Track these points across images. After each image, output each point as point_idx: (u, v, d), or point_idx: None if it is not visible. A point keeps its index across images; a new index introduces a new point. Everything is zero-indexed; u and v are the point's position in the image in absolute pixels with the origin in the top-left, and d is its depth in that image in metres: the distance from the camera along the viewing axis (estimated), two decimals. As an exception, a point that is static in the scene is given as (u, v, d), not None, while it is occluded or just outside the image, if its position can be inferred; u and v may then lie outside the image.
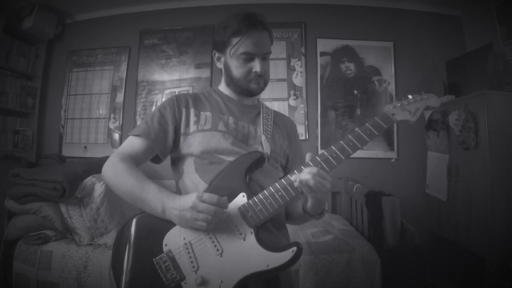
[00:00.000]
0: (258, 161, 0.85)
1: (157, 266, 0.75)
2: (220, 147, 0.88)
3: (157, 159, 0.93)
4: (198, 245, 0.76)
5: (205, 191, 0.81)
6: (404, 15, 2.67)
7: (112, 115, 2.78)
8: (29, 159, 2.62)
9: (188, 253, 0.76)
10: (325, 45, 2.69)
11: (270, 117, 1.00)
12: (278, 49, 2.68)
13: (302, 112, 2.63)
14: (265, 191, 0.78)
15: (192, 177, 0.88)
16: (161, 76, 2.78)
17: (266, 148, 0.90)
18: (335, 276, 1.58)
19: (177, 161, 0.94)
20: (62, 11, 2.78)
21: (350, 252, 1.63)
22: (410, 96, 0.83)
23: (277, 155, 0.94)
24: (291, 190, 0.77)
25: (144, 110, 2.76)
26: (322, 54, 2.68)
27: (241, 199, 0.79)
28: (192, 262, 0.75)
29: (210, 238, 0.76)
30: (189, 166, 0.89)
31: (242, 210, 0.77)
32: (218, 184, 0.82)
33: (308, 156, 0.79)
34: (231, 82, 0.94)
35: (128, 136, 0.92)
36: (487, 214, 1.74)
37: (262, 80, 0.92)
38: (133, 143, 0.89)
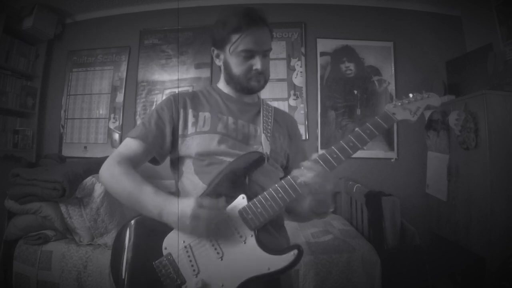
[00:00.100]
0: (258, 161, 0.83)
1: (157, 270, 0.74)
2: (219, 149, 0.86)
3: (155, 161, 0.91)
4: (198, 248, 0.75)
5: (204, 193, 0.80)
6: (404, 15, 2.67)
7: (112, 115, 2.78)
8: (29, 159, 2.62)
9: (188, 256, 0.75)
10: (325, 45, 2.69)
11: (270, 114, 0.98)
12: (278, 49, 2.68)
13: (302, 112, 2.63)
14: (265, 192, 0.77)
15: (191, 178, 0.86)
16: (161, 76, 2.78)
17: (265, 148, 0.88)
18: (335, 276, 1.58)
19: (176, 162, 0.92)
20: (62, 11, 2.78)
21: (350, 252, 1.63)
22: (410, 95, 0.82)
23: (277, 154, 0.93)
24: (291, 192, 0.76)
25: (144, 110, 2.76)
26: (322, 54, 2.68)
27: (241, 201, 0.77)
28: (192, 265, 0.74)
29: (210, 241, 0.75)
30: (188, 167, 0.88)
31: (242, 212, 0.76)
32: (217, 186, 0.81)
33: (313, 157, 0.77)
34: (231, 80, 0.92)
35: (126, 137, 0.90)
36: (487, 214, 1.74)
37: (263, 77, 0.90)
38: (130, 145, 0.87)
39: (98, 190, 1.80)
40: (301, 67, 2.67)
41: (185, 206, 0.72)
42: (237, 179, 0.81)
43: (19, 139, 2.57)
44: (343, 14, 2.70)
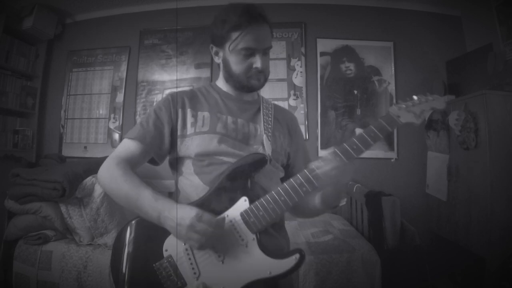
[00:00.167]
0: (260, 163, 0.82)
1: (157, 272, 0.74)
2: (219, 150, 0.85)
3: (154, 162, 0.90)
4: (199, 251, 0.74)
5: (206, 194, 0.80)
6: (404, 15, 2.67)
7: (112, 115, 2.78)
8: (29, 159, 2.62)
9: (189, 259, 0.74)
10: (325, 45, 2.69)
11: (270, 112, 0.96)
12: (278, 49, 2.68)
13: (302, 112, 2.63)
14: (267, 195, 0.76)
15: (192, 179, 0.86)
16: (161, 76, 2.78)
17: (267, 148, 0.87)
18: (335, 276, 1.58)
19: (175, 162, 0.91)
20: (62, 11, 2.78)
21: (350, 252, 1.63)
22: (415, 97, 0.79)
23: (278, 154, 0.92)
24: (294, 195, 0.75)
25: (144, 110, 2.75)
26: (322, 54, 2.68)
27: (242, 203, 0.77)
28: (193, 268, 0.74)
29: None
30: (188, 168, 0.87)
31: (244, 215, 0.75)
32: (219, 188, 0.80)
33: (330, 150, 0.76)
34: (230, 78, 0.90)
35: (124, 138, 0.88)
36: (487, 214, 1.74)
37: (263, 76, 0.88)
38: (128, 146, 0.86)
39: (98, 190, 1.80)
40: (301, 67, 2.67)
41: (185, 215, 0.71)
42: (239, 181, 0.80)
43: (19, 139, 2.57)
44: (343, 14, 2.70)
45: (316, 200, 0.86)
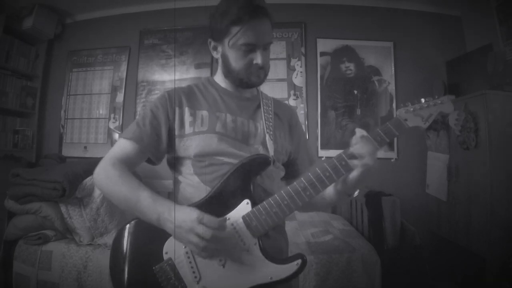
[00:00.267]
0: (264, 165, 0.80)
1: (157, 276, 0.73)
2: (219, 150, 0.82)
3: (152, 161, 0.87)
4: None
5: (207, 196, 0.78)
6: (404, 15, 2.67)
7: (112, 115, 2.78)
8: (29, 159, 2.62)
9: (190, 262, 0.73)
10: (325, 45, 2.69)
11: (270, 108, 0.93)
12: (278, 49, 2.68)
13: (302, 112, 2.63)
14: (270, 199, 0.74)
15: (191, 179, 0.84)
16: (161, 76, 2.78)
17: (270, 149, 0.85)
18: (335, 276, 1.58)
19: (174, 162, 0.88)
20: (62, 11, 2.78)
21: (350, 252, 1.63)
22: (422, 100, 0.77)
23: (279, 154, 0.89)
24: (297, 200, 0.73)
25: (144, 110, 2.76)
26: (322, 54, 2.68)
27: (244, 206, 0.75)
28: (194, 272, 0.73)
29: None
30: (187, 168, 0.85)
31: (246, 219, 0.74)
32: (221, 190, 0.78)
33: (358, 132, 0.75)
34: (229, 73, 0.86)
35: (119, 138, 0.85)
36: (487, 214, 1.74)
37: (263, 72, 0.85)
38: (124, 146, 0.83)
39: (98, 190, 1.80)
40: (301, 67, 2.67)
41: (186, 217, 0.69)
42: (241, 183, 0.77)
43: (19, 139, 2.57)
44: (343, 14, 2.70)
45: (329, 190, 0.81)
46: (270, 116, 0.91)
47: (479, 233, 1.80)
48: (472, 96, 1.91)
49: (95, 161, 0.82)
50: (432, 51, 2.61)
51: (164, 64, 2.79)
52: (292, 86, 2.67)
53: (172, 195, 0.88)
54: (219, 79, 0.93)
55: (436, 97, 0.78)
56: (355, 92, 2.63)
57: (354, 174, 0.73)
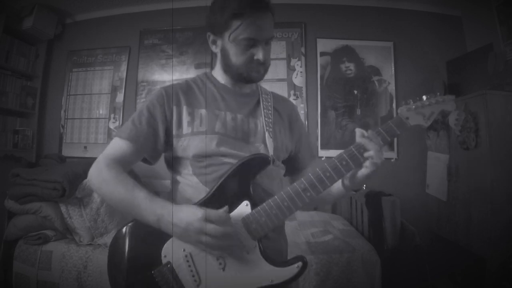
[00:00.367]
0: (263, 164, 0.78)
1: (156, 280, 0.71)
2: (219, 151, 0.80)
3: (148, 161, 0.85)
4: (199, 258, 0.72)
5: (205, 197, 0.76)
6: (404, 15, 2.67)
7: (112, 115, 2.78)
8: (29, 159, 2.62)
9: (189, 266, 0.72)
10: (325, 45, 2.68)
11: (270, 104, 0.91)
12: (278, 49, 2.68)
13: (302, 112, 2.63)
14: (270, 201, 0.73)
15: (190, 179, 0.82)
16: (161, 76, 2.78)
17: (269, 147, 0.83)
18: (335, 276, 1.58)
19: (172, 161, 0.86)
20: (62, 11, 2.78)
21: (350, 252, 1.63)
22: (424, 97, 0.75)
23: (279, 151, 0.87)
24: (297, 201, 0.72)
25: (144, 110, 2.75)
26: (322, 54, 2.68)
27: (244, 208, 0.73)
28: (193, 276, 0.71)
29: None
30: (185, 168, 0.83)
31: (246, 221, 0.72)
32: (219, 191, 0.76)
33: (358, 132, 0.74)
34: (229, 68, 0.84)
35: (114, 137, 0.82)
36: (487, 214, 1.74)
37: (263, 67, 0.82)
38: (119, 146, 0.80)
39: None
40: (301, 67, 2.67)
41: (190, 218, 0.67)
42: (241, 183, 0.76)
43: (19, 139, 2.57)
44: (343, 14, 2.70)
45: (336, 185, 0.80)
46: (270, 112, 0.89)
47: (479, 233, 1.80)
48: (472, 96, 1.91)
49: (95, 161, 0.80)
50: (432, 51, 2.61)
51: (164, 64, 2.79)
52: (292, 86, 2.67)
53: (174, 197, 0.86)
54: (218, 74, 0.90)
55: (438, 94, 0.76)
56: (355, 92, 2.63)
57: (363, 172, 0.73)
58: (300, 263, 0.71)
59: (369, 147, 0.71)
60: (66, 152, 2.78)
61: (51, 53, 2.90)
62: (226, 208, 0.70)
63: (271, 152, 0.83)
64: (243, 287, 0.71)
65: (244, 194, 0.75)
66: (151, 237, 0.72)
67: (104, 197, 0.79)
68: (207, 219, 0.66)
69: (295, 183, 0.73)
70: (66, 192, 1.73)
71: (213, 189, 0.77)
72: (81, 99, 2.84)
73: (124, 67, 2.82)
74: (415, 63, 2.62)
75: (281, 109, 0.94)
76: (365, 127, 0.77)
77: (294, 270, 0.71)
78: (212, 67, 0.94)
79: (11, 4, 2.40)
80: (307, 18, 2.71)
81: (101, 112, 2.80)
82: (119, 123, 2.76)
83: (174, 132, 0.82)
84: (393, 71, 2.63)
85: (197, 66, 2.74)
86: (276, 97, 0.97)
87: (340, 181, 0.78)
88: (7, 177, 1.89)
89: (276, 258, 0.76)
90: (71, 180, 1.76)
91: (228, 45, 0.80)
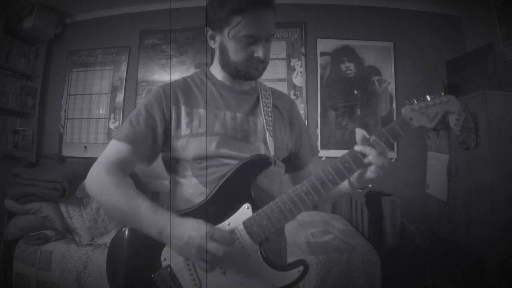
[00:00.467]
0: (264, 165, 0.76)
1: (156, 283, 0.71)
2: (219, 153, 0.78)
3: (145, 162, 0.83)
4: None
5: (205, 200, 0.75)
6: (404, 15, 2.67)
7: (112, 115, 2.78)
8: (29, 159, 2.62)
9: (189, 270, 0.70)
10: (325, 45, 2.69)
11: (269, 101, 0.89)
12: (278, 49, 2.68)
13: (302, 112, 2.63)
14: (272, 204, 0.71)
15: (190, 180, 0.80)
16: (161, 76, 2.78)
17: (270, 147, 0.81)
18: (335, 276, 1.58)
19: (170, 161, 0.83)
20: (62, 11, 2.78)
21: (350, 252, 1.63)
22: (428, 97, 0.73)
23: (280, 150, 0.85)
24: (300, 204, 0.71)
25: (144, 110, 2.76)
26: (322, 54, 2.68)
27: (245, 211, 0.71)
28: (194, 279, 0.70)
29: None
30: (185, 169, 0.81)
31: (247, 225, 0.70)
32: (220, 193, 0.74)
33: (359, 132, 0.72)
34: (227, 65, 0.81)
35: (112, 139, 0.79)
36: (487, 214, 1.74)
37: (263, 65, 0.80)
38: (117, 148, 0.77)
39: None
40: (301, 67, 2.67)
41: (193, 233, 0.64)
42: (241, 185, 0.74)
43: (19, 139, 2.57)
44: (343, 14, 2.70)
45: (344, 183, 0.78)
46: (269, 109, 0.87)
47: (479, 233, 1.80)
48: (472, 96, 1.91)
49: (95, 161, 0.79)
50: (432, 51, 2.61)
51: (164, 64, 2.79)
52: (292, 86, 2.67)
53: (173, 197, 0.85)
54: (216, 70, 0.88)
55: (442, 93, 0.74)
56: (355, 92, 2.63)
57: (370, 175, 0.72)
58: (301, 268, 0.71)
59: (370, 158, 0.70)
60: (66, 152, 2.78)
61: (51, 53, 2.90)
62: (230, 227, 0.69)
63: (271, 151, 0.81)
64: None
65: (245, 197, 0.73)
66: (151, 239, 0.69)
67: (102, 205, 0.76)
68: (211, 237, 0.64)
69: (297, 186, 0.72)
70: (66, 192, 1.73)
71: (213, 191, 0.75)
72: (81, 99, 2.84)
73: (124, 67, 2.82)
74: (415, 63, 2.62)
75: (281, 105, 0.92)
76: (365, 127, 0.77)
77: (295, 275, 0.70)
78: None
79: (11, 4, 2.40)
80: (307, 18, 2.72)
81: (101, 112, 2.80)
82: (119, 123, 2.76)
83: (173, 132, 0.80)
84: (393, 71, 2.63)
85: (197, 66, 2.74)
86: (275, 93, 0.95)
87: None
88: (7, 177, 1.89)
89: (276, 259, 0.75)
90: (71, 180, 1.76)
91: (228, 41, 0.77)
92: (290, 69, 2.68)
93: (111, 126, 2.77)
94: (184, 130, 0.80)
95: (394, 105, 2.60)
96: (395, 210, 1.70)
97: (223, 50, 0.80)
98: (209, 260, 0.64)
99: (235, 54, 0.78)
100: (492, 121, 1.77)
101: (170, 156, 0.82)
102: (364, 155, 0.70)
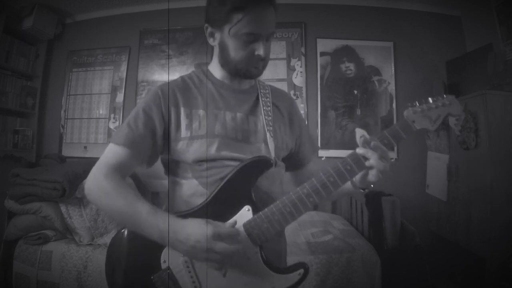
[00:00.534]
0: (265, 167, 0.75)
1: (156, 285, 0.70)
2: (219, 155, 0.77)
3: (144, 165, 0.82)
4: (199, 263, 0.70)
5: (205, 201, 0.74)
6: (404, 15, 2.67)
7: (112, 115, 2.78)
8: (29, 159, 2.62)
9: (189, 272, 0.70)
10: (325, 45, 2.69)
11: (269, 99, 0.88)
12: (278, 49, 2.68)
13: (302, 112, 2.63)
14: (272, 206, 0.71)
15: (190, 181, 0.79)
16: (161, 76, 2.78)
17: (271, 147, 0.81)
18: (335, 276, 1.58)
19: (169, 163, 0.83)
20: (62, 11, 2.78)
21: (350, 252, 1.63)
22: (430, 99, 0.73)
23: (280, 149, 0.85)
24: (300, 207, 0.70)
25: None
26: (322, 54, 2.68)
27: (245, 213, 0.71)
28: (194, 282, 0.70)
29: None
30: (185, 171, 0.80)
31: (248, 227, 0.70)
32: (220, 195, 0.74)
33: (359, 131, 0.74)
34: (227, 63, 0.80)
35: (110, 143, 0.78)
36: (487, 214, 1.74)
37: (263, 63, 0.79)
38: (116, 152, 0.76)
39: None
40: (301, 67, 2.67)
41: (198, 236, 0.64)
42: (242, 187, 0.73)
43: (19, 139, 2.57)
44: (343, 14, 2.70)
45: (346, 183, 0.77)
46: (269, 109, 0.86)
47: (479, 233, 1.80)
48: (472, 96, 1.91)
49: (95, 161, 0.78)
50: (432, 51, 2.61)
51: (164, 64, 2.79)
52: (292, 86, 2.67)
53: (172, 198, 0.84)
54: (215, 69, 0.87)
55: (445, 96, 0.74)
56: (355, 92, 2.63)
57: (371, 178, 0.72)
58: (301, 271, 0.70)
59: (372, 162, 0.69)
60: (66, 152, 2.78)
61: (51, 53, 2.90)
62: (234, 221, 0.69)
63: (272, 152, 0.81)
64: None
65: (245, 198, 0.72)
66: (149, 242, 0.69)
67: (102, 209, 0.76)
68: (217, 237, 0.64)
69: (298, 188, 0.71)
70: (66, 192, 1.74)
71: (213, 193, 0.74)
72: (81, 99, 2.84)
73: (124, 67, 2.82)
74: (415, 63, 2.62)
75: (280, 104, 0.92)
76: (365, 127, 0.77)
77: (296, 278, 0.70)
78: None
79: (11, 4, 2.40)
80: (307, 18, 2.72)
81: (101, 112, 2.80)
82: (119, 123, 2.76)
83: (172, 135, 0.79)
84: (393, 71, 2.63)
85: (197, 66, 2.74)
86: (274, 91, 0.94)
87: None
88: (7, 177, 1.89)
89: (276, 260, 0.75)
90: (71, 180, 1.76)
91: (228, 39, 0.76)
92: (290, 69, 2.68)
93: (111, 126, 2.77)
94: (184, 132, 0.78)
95: (394, 105, 2.59)
96: (395, 210, 1.70)
97: (223, 48, 0.79)
98: (219, 260, 0.64)
99: (235, 52, 0.77)
100: (492, 121, 1.77)
101: (168, 159, 0.82)
102: (366, 158, 0.70)
